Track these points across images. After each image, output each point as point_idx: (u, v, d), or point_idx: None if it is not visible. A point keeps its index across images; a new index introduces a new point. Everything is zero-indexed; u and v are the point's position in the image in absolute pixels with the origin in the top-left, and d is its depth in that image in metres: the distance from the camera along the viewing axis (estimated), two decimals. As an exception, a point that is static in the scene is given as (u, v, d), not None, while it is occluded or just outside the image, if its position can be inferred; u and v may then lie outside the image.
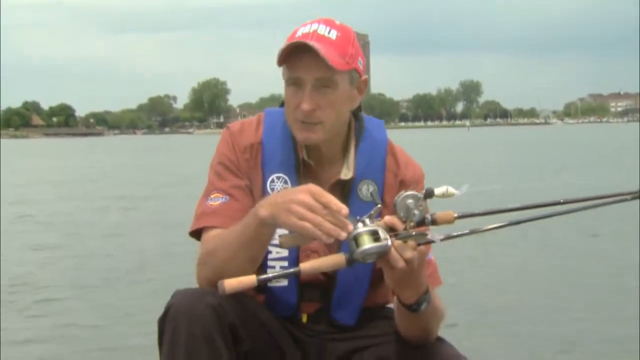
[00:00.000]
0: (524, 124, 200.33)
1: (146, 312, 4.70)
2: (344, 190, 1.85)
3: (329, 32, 1.77)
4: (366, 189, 1.86)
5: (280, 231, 1.71)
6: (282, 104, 1.92)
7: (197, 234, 1.84)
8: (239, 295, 1.60)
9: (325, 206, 1.55)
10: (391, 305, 1.89)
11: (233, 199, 1.82)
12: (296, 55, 1.74)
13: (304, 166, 1.85)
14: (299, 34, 1.78)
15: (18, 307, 5.26)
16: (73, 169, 25.88)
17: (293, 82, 1.78)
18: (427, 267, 1.80)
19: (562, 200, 1.65)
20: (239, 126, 1.92)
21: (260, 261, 1.75)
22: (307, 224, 1.55)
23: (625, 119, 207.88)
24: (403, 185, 1.88)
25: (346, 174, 1.86)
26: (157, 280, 5.88)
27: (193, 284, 1.79)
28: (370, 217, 1.58)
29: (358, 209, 1.73)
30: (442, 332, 1.85)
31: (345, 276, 1.82)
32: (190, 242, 1.89)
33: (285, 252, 1.82)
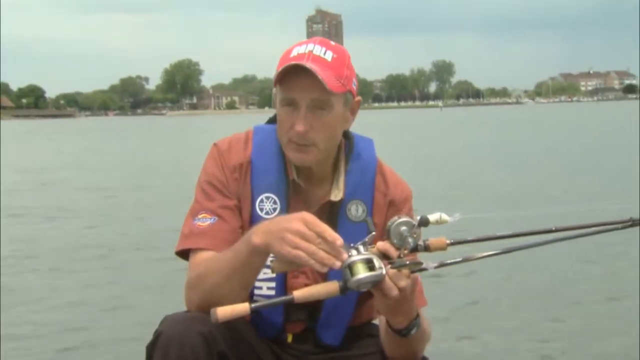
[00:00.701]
0: (496, 103, 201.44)
1: (132, 338, 4.52)
2: (333, 211, 1.84)
3: (324, 53, 1.75)
4: (355, 209, 1.84)
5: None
6: (270, 121, 1.91)
7: (183, 253, 1.81)
8: (228, 320, 1.58)
9: (320, 235, 1.53)
10: (376, 322, 1.90)
11: (222, 220, 1.78)
12: (292, 75, 1.72)
13: (293, 186, 1.83)
14: (294, 53, 1.76)
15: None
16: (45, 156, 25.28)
17: (288, 103, 1.76)
18: None
19: (554, 228, 1.65)
20: (227, 144, 1.87)
21: (251, 287, 1.74)
22: (301, 253, 1.53)
23: (595, 98, 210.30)
24: (392, 205, 1.88)
25: (336, 194, 1.84)
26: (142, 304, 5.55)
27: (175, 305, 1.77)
28: (364, 244, 1.56)
29: (347, 230, 1.74)
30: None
31: (333, 297, 1.80)
32: (172, 257, 1.85)
33: (272, 286, 1.80)
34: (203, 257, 1.75)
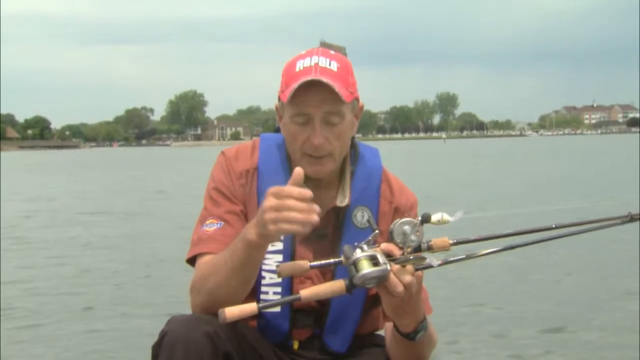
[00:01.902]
0: (499, 135, 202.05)
1: (138, 336, 4.68)
2: (339, 216, 1.86)
3: (329, 64, 1.78)
4: (361, 215, 1.86)
5: (273, 257, 1.74)
6: (276, 130, 1.93)
7: (193, 260, 1.84)
8: (233, 323, 1.61)
9: (289, 197, 1.53)
10: (381, 333, 1.91)
11: (228, 224, 1.82)
12: (302, 90, 1.73)
13: None
14: (299, 67, 1.78)
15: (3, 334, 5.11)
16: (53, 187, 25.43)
17: (301, 117, 1.77)
18: None
19: (554, 225, 1.68)
20: (234, 151, 1.92)
21: (252, 284, 1.75)
22: (282, 225, 1.53)
23: (599, 131, 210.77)
24: (397, 212, 1.89)
25: (342, 200, 1.86)
26: (150, 306, 5.73)
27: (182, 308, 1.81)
28: (367, 243, 1.59)
29: (353, 235, 1.77)
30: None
31: (339, 303, 1.82)
32: (180, 263, 1.89)
33: (278, 291, 1.82)
34: (205, 260, 1.78)
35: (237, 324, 1.68)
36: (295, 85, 1.73)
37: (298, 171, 1.56)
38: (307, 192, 1.54)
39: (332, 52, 1.84)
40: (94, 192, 20.12)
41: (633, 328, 4.90)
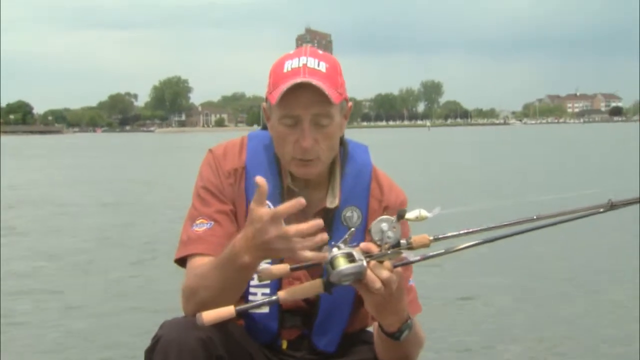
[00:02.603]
0: (483, 124, 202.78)
1: (130, 341, 4.61)
2: (329, 217, 1.84)
3: (318, 65, 1.75)
4: (350, 215, 1.86)
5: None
6: (264, 127, 1.92)
7: (183, 260, 1.82)
8: (225, 325, 1.62)
9: (298, 235, 1.54)
10: (370, 329, 1.89)
11: (218, 224, 1.80)
12: (291, 92, 1.70)
13: (288, 192, 1.83)
14: (287, 68, 1.75)
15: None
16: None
17: (289, 119, 1.74)
18: (407, 294, 1.78)
19: (535, 217, 1.65)
20: (222, 150, 1.89)
21: (243, 291, 1.75)
22: (297, 254, 1.54)
23: (582, 120, 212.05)
24: (387, 210, 1.86)
25: (332, 201, 1.85)
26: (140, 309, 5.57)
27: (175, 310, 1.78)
28: (344, 242, 1.58)
29: (343, 236, 1.73)
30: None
31: (327, 302, 1.81)
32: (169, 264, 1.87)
33: (267, 292, 1.80)
34: (198, 263, 1.76)
35: (228, 327, 1.67)
36: (283, 87, 1.70)
37: (300, 202, 1.54)
38: (319, 221, 1.54)
39: (320, 52, 1.82)
40: (77, 180, 19.96)
41: (623, 317, 4.98)
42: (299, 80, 1.70)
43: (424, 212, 1.59)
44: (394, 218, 1.58)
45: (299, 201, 1.54)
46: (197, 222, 1.82)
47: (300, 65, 1.74)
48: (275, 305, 1.77)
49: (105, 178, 20.13)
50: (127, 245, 8.69)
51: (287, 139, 1.76)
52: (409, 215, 1.59)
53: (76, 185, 18.06)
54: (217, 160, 1.87)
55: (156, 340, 1.66)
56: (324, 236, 1.55)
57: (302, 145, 1.74)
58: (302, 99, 1.71)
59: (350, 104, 1.85)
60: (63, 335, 4.97)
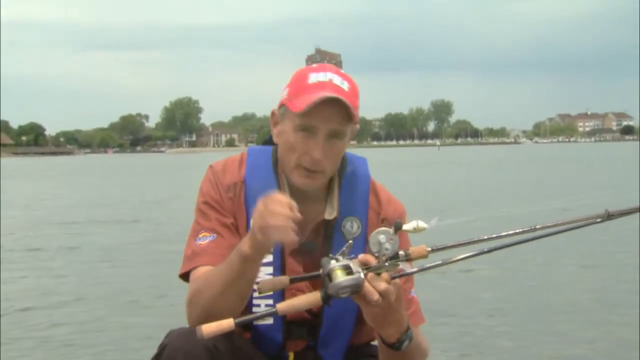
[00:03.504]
0: (494, 143, 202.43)
1: (136, 348, 4.68)
2: (328, 229, 1.87)
3: (342, 83, 1.79)
4: (350, 226, 1.87)
5: (264, 269, 1.77)
6: (265, 142, 1.95)
7: (187, 275, 1.84)
8: (231, 336, 1.62)
9: (274, 203, 1.60)
10: (376, 343, 1.89)
11: (221, 237, 1.82)
12: (314, 104, 1.74)
13: None
14: (312, 80, 1.79)
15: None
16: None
17: (305, 129, 1.77)
18: (409, 306, 1.83)
19: (532, 227, 1.66)
20: (222, 165, 1.93)
21: (247, 298, 1.75)
22: (268, 232, 1.59)
23: (593, 139, 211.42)
24: (385, 223, 1.87)
25: (330, 213, 1.87)
26: (148, 317, 5.68)
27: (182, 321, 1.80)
28: (342, 254, 1.59)
29: (343, 245, 1.74)
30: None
31: (332, 313, 1.82)
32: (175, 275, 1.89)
33: (270, 303, 1.81)
34: (200, 273, 1.78)
35: (233, 337, 1.68)
36: (311, 97, 1.73)
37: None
38: (292, 202, 1.59)
39: (342, 71, 1.85)
40: (89, 200, 20.05)
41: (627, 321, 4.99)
42: (330, 95, 1.73)
43: (421, 224, 1.60)
44: (391, 230, 1.59)
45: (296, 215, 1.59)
46: (200, 235, 1.84)
47: (327, 80, 1.79)
48: (280, 317, 1.77)
49: (119, 197, 20.23)
50: (136, 258, 8.80)
51: (297, 148, 1.79)
52: (407, 226, 1.60)
53: (89, 205, 18.11)
54: (217, 176, 1.90)
55: (162, 349, 1.67)
56: (297, 216, 1.60)
57: (313, 156, 1.77)
58: (325, 112, 1.74)
59: (357, 125, 1.88)
60: (69, 341, 5.04)
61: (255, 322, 1.80)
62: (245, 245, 1.65)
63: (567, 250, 7.95)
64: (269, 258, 1.82)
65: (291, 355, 1.86)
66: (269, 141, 1.94)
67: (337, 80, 1.79)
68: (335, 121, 1.76)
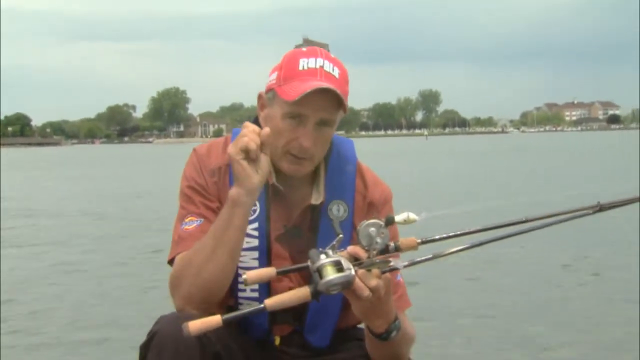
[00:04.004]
0: (481, 132, 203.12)
1: (125, 336, 4.68)
2: (315, 213, 1.85)
3: (333, 70, 1.77)
4: (337, 209, 1.85)
5: (249, 254, 1.78)
6: (254, 121, 1.89)
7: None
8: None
9: (245, 130, 1.70)
10: (362, 326, 1.88)
11: (207, 220, 1.79)
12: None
13: (273, 190, 1.84)
14: (303, 66, 1.76)
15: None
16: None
17: (294, 116, 1.75)
18: (395, 290, 1.81)
19: (524, 219, 1.64)
20: (205, 149, 1.91)
21: (237, 259, 1.73)
22: (239, 152, 1.67)
23: (580, 128, 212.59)
24: (372, 206, 1.88)
25: (317, 198, 1.85)
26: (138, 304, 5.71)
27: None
28: (332, 248, 1.57)
29: (330, 231, 1.77)
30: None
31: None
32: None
33: (256, 288, 1.80)
34: (186, 253, 1.76)
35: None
36: (302, 86, 1.71)
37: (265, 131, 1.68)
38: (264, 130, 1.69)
39: (332, 55, 1.82)
40: (75, 192, 19.97)
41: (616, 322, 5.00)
42: (320, 83, 1.72)
43: (412, 216, 1.58)
44: (382, 222, 1.57)
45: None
46: (187, 220, 1.82)
47: (317, 66, 1.76)
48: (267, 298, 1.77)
49: (106, 188, 20.15)
50: (124, 248, 8.83)
51: (285, 134, 1.77)
52: (398, 218, 1.58)
53: (77, 196, 18.04)
54: (201, 159, 1.88)
55: (152, 336, 1.66)
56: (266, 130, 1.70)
57: (302, 144, 1.75)
58: (316, 101, 1.73)
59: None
60: (58, 329, 5.06)
61: (241, 307, 1.80)
62: (231, 190, 1.68)
63: (559, 241, 7.93)
64: (254, 242, 1.81)
65: (277, 339, 1.86)
66: (255, 123, 1.87)
67: (327, 66, 1.77)
68: (326, 110, 1.75)
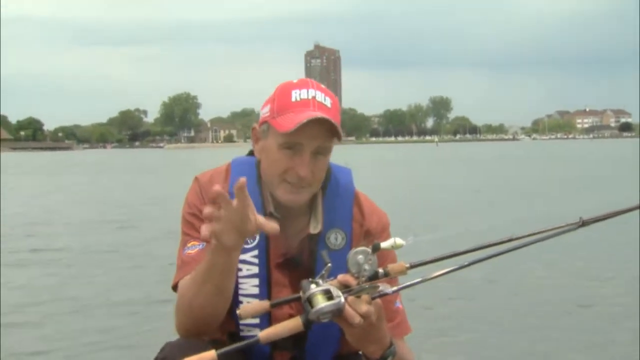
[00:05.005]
0: (492, 139, 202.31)
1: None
2: (312, 242, 1.86)
3: (325, 100, 1.80)
4: (334, 238, 1.87)
5: (249, 281, 1.81)
6: (249, 153, 1.94)
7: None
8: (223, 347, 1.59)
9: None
10: None
11: (209, 245, 1.75)
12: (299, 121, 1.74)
13: (270, 219, 1.78)
14: (296, 98, 1.79)
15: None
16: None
17: (290, 146, 1.77)
18: (394, 317, 1.85)
19: (509, 238, 1.67)
20: (207, 177, 1.93)
21: (226, 294, 1.73)
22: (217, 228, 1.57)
23: (591, 135, 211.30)
24: (368, 234, 1.89)
25: (315, 227, 1.86)
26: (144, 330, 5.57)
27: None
28: (322, 278, 1.59)
29: (327, 260, 1.74)
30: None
31: (318, 325, 1.75)
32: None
33: (241, 320, 1.77)
34: (187, 277, 1.79)
35: (228, 351, 1.64)
36: (301, 118, 1.73)
37: (275, 228, 1.59)
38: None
39: (323, 86, 1.85)
40: (87, 197, 20.04)
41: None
42: (317, 115, 1.74)
43: (399, 241, 1.63)
44: (369, 250, 1.60)
45: (274, 227, 1.59)
46: (189, 245, 1.85)
47: (310, 97, 1.79)
48: (266, 324, 1.78)
49: (118, 195, 20.21)
50: (133, 264, 8.65)
51: (281, 164, 1.79)
52: (384, 244, 1.61)
53: (89, 203, 18.12)
54: (203, 187, 1.90)
55: None
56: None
57: (299, 173, 1.77)
58: (311, 131, 1.74)
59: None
60: (67, 347, 5.03)
61: (242, 333, 1.82)
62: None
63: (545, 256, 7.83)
64: (254, 270, 1.84)
65: None
66: (252, 154, 1.95)
67: (320, 97, 1.80)
68: (321, 139, 1.77)
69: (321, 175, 1.83)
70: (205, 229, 1.57)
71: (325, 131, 1.76)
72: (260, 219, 1.59)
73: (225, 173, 1.93)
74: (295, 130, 1.73)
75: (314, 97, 1.79)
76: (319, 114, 1.74)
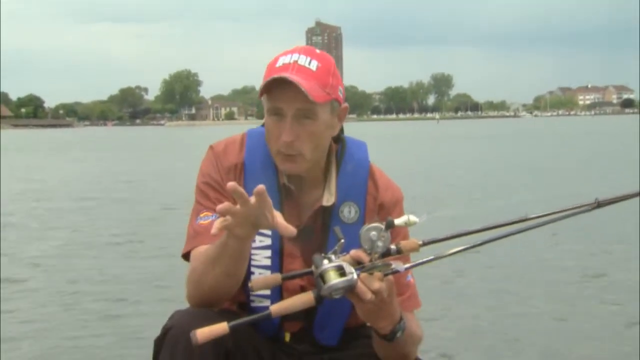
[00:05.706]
0: (494, 116, 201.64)
1: (140, 330, 4.72)
2: (326, 215, 1.86)
3: (309, 63, 1.77)
4: (348, 211, 1.87)
5: (262, 252, 1.83)
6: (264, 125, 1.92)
7: (189, 255, 1.84)
8: (231, 317, 1.60)
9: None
10: None
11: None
12: (277, 86, 1.73)
13: (285, 191, 1.85)
14: (279, 63, 1.78)
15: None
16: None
17: (274, 112, 1.78)
18: (404, 290, 1.85)
19: (523, 218, 1.67)
20: (222, 146, 1.92)
21: (237, 278, 1.73)
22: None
23: (593, 112, 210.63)
24: (382, 208, 1.89)
25: (328, 199, 1.86)
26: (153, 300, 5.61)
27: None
28: (335, 253, 1.60)
29: (341, 232, 1.74)
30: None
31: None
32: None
33: (253, 292, 1.77)
34: (199, 250, 1.79)
35: (234, 318, 1.64)
36: (265, 82, 1.74)
37: (259, 189, 1.52)
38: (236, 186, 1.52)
39: (317, 51, 1.83)
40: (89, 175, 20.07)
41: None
42: (281, 75, 1.72)
43: (413, 218, 1.63)
44: (382, 226, 1.60)
45: (291, 231, 1.57)
46: (202, 215, 1.84)
47: (291, 61, 1.77)
48: (277, 297, 1.80)
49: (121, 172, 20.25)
50: (139, 238, 8.73)
51: (273, 133, 1.79)
52: (398, 221, 1.62)
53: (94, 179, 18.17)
54: (218, 157, 1.90)
55: (166, 331, 1.69)
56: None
57: (282, 139, 1.76)
58: (286, 93, 1.73)
59: (345, 105, 1.86)
60: (74, 321, 5.07)
61: (252, 304, 1.83)
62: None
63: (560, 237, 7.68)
64: (267, 241, 1.84)
65: (287, 336, 1.88)
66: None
67: (303, 60, 1.77)
68: (298, 101, 1.73)
69: (314, 142, 1.79)
70: (217, 224, 1.54)
71: (301, 93, 1.71)
72: (279, 219, 1.57)
73: (240, 144, 1.92)
74: (273, 94, 1.75)
75: (295, 61, 1.77)
76: (284, 74, 1.72)
